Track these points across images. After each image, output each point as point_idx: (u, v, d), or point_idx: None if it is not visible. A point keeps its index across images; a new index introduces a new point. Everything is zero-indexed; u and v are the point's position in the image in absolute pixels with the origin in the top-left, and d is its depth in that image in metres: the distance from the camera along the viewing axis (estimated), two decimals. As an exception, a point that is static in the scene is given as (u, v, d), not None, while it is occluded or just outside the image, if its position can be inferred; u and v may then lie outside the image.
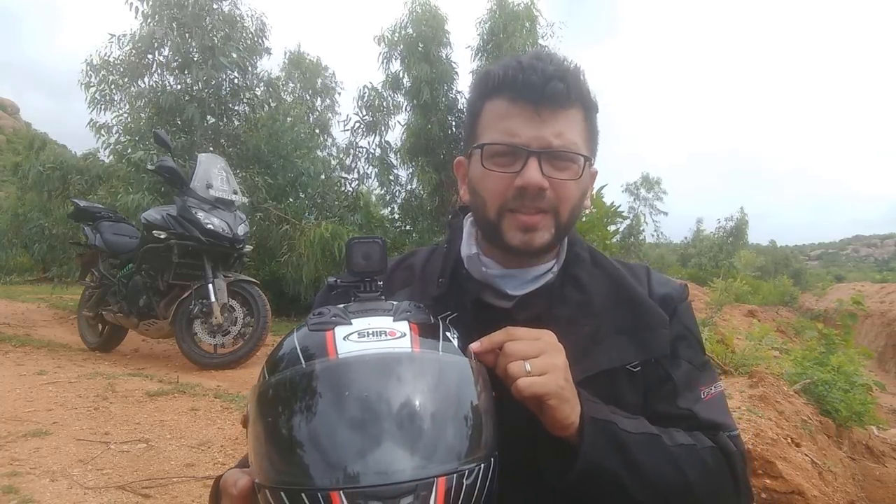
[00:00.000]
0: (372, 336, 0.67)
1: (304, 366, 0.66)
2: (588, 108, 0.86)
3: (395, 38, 9.56)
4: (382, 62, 9.77)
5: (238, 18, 8.38)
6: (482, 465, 0.64)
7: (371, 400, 0.61)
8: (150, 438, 2.97)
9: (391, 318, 0.70)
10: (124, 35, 7.98)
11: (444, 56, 9.56)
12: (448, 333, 0.74)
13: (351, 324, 0.69)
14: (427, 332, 0.71)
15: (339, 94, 11.47)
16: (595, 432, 0.75)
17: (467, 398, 0.67)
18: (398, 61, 9.69)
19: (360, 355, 0.65)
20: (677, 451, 0.80)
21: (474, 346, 0.74)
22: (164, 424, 3.17)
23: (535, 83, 0.81)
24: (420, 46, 9.35)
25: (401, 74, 9.68)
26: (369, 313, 0.71)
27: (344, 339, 0.67)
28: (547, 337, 0.76)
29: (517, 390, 0.70)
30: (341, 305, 0.74)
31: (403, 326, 0.69)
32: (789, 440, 3.28)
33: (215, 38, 8.02)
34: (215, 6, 8.18)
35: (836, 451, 4.06)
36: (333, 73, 11.53)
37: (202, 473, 2.63)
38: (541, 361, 0.72)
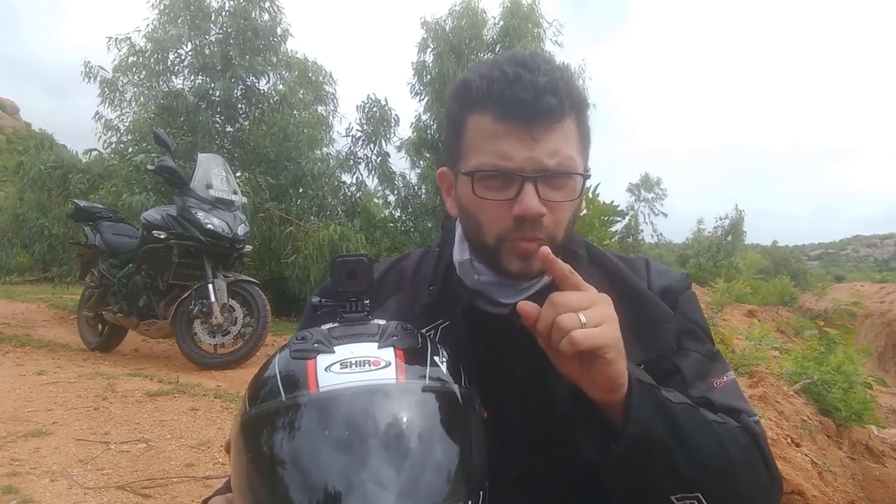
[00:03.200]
0: (355, 366, 0.64)
1: (283, 399, 0.64)
2: (580, 112, 0.81)
3: (435, 27, 9.64)
4: (420, 46, 9.86)
5: (265, 27, 8.33)
6: (469, 502, 0.62)
7: (352, 438, 0.59)
8: (150, 438, 2.96)
9: (376, 345, 0.68)
10: (125, 36, 8.00)
11: (475, 57, 9.53)
12: (436, 357, 0.71)
13: (333, 352, 0.66)
14: (413, 358, 0.68)
15: (334, 86, 11.50)
16: (643, 395, 0.69)
17: (455, 430, 0.64)
18: (429, 52, 9.77)
19: (342, 389, 0.62)
20: (716, 426, 0.75)
21: (523, 304, 0.69)
22: (164, 424, 3.17)
23: (526, 100, 0.75)
24: (452, 40, 9.39)
25: (429, 64, 9.74)
26: (353, 339, 0.68)
27: (325, 369, 0.64)
28: (593, 288, 0.70)
29: (572, 344, 0.64)
30: (326, 327, 0.72)
31: (388, 354, 0.66)
32: (789, 440, 3.28)
33: (243, 45, 8.01)
34: (252, 12, 8.14)
35: (836, 451, 4.06)
36: (330, 73, 11.53)
37: (202, 473, 2.63)
38: (594, 312, 0.66)
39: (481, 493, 0.65)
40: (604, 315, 0.67)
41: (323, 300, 0.81)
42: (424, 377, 0.67)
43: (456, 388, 0.68)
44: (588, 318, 0.65)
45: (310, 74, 10.82)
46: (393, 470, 0.59)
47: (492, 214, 0.79)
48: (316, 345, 0.67)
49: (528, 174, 0.76)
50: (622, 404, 0.69)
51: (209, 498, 0.78)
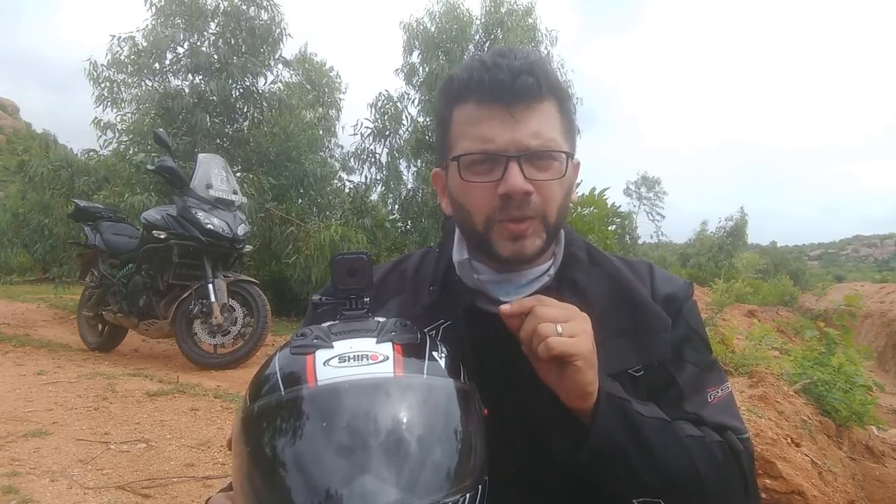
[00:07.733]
0: (353, 360, 0.65)
1: (283, 393, 0.64)
2: (561, 99, 0.82)
3: (417, 29, 9.63)
4: (404, 50, 9.86)
5: (265, 29, 8.30)
6: (468, 495, 0.62)
7: (350, 429, 0.60)
8: (150, 438, 2.96)
9: (374, 340, 0.68)
10: (129, 35, 7.99)
11: (463, 56, 9.58)
12: (435, 353, 0.71)
13: (332, 347, 0.67)
14: (412, 352, 0.68)
15: (344, 93, 11.51)
16: (610, 407, 0.74)
17: (453, 424, 0.65)
18: (416, 53, 9.78)
19: (340, 382, 0.63)
20: (688, 441, 0.78)
21: (504, 307, 0.74)
22: (164, 424, 3.17)
23: (503, 81, 0.77)
24: (436, 38, 9.40)
25: (417, 66, 9.75)
26: (352, 335, 0.69)
27: (324, 364, 0.65)
28: (575, 307, 0.76)
29: (547, 348, 0.70)
30: (326, 324, 0.72)
31: (387, 349, 0.67)
32: (789, 440, 3.28)
33: (242, 46, 7.99)
34: (248, 11, 8.12)
35: (836, 451, 4.06)
36: (338, 74, 11.55)
37: (202, 473, 2.63)
38: (571, 325, 0.72)
39: (480, 487, 0.65)
40: (579, 329, 0.73)
41: (324, 298, 0.82)
42: (422, 371, 0.67)
43: (454, 382, 0.68)
44: (564, 329, 0.71)
45: (325, 80, 10.84)
46: (391, 462, 0.59)
47: (478, 197, 0.81)
48: (315, 340, 0.68)
49: (511, 154, 0.78)
50: (589, 414, 0.73)
51: (211, 497, 0.78)
